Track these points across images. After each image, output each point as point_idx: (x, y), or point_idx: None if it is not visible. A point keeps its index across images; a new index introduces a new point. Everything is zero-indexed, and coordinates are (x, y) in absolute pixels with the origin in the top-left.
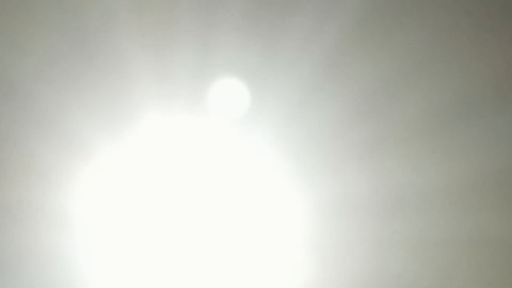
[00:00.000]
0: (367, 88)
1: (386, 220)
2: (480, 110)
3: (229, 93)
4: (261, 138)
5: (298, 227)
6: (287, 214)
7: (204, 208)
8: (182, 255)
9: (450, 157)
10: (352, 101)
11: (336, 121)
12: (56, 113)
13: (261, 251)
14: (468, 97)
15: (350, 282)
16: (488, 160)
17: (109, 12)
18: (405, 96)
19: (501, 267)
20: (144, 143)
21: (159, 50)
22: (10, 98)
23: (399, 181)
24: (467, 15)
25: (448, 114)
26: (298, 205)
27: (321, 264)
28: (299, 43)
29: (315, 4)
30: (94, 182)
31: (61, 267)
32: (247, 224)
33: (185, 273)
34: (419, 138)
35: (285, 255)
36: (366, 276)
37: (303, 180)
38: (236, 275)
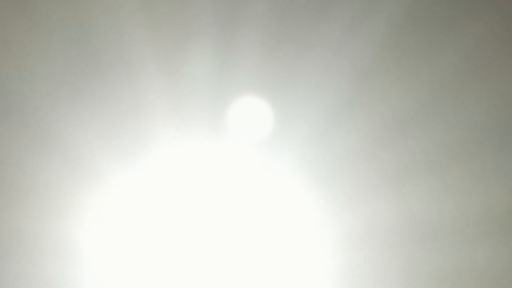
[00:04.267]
0: (397, 111)
1: (416, 250)
2: None
3: (250, 116)
4: (285, 163)
5: (323, 258)
6: (312, 244)
7: (225, 240)
8: (200, 283)
9: (485, 185)
10: (381, 125)
11: (364, 145)
12: (63, 136)
13: (285, 283)
14: (504, 124)
15: None
16: None
17: (122, 29)
18: (437, 121)
19: None
20: (158, 169)
21: (175, 69)
22: (14, 119)
23: (431, 209)
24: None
25: (484, 140)
26: (323, 234)
27: None
28: (325, 62)
29: (343, 22)
30: (103, 211)
31: None
32: (271, 255)
33: None
34: (452, 165)
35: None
36: None
37: (329, 208)
38: None
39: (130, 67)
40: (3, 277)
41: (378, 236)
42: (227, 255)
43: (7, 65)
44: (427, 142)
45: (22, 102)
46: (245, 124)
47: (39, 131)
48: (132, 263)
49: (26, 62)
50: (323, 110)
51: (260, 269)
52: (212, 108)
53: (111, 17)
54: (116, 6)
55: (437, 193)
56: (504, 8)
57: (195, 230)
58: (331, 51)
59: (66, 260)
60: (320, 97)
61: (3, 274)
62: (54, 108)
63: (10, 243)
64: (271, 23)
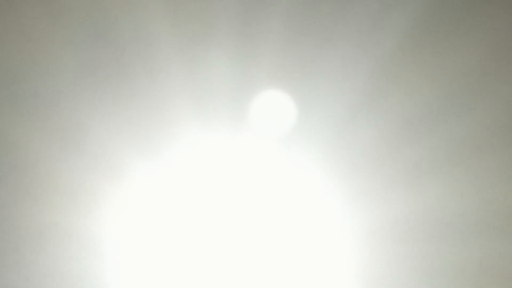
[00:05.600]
0: (420, 105)
1: (439, 245)
2: None
3: (273, 109)
4: (307, 158)
5: (346, 252)
6: (334, 238)
7: (248, 233)
8: (222, 279)
9: (507, 181)
10: (404, 119)
11: (387, 139)
12: (86, 131)
13: (307, 277)
14: None
15: None
16: None
17: (144, 24)
18: (459, 115)
19: None
20: (181, 163)
21: (197, 63)
22: (38, 114)
23: (453, 204)
24: None
25: (506, 136)
26: (346, 228)
27: None
28: (348, 56)
29: (365, 16)
30: (126, 205)
31: None
32: (293, 249)
33: None
34: (476, 160)
35: (332, 283)
36: None
37: (351, 202)
38: None
39: (153, 61)
40: (27, 270)
41: (401, 230)
42: (250, 249)
43: (31, 59)
44: (450, 136)
45: (45, 97)
46: (267, 118)
47: (62, 126)
48: (154, 257)
49: (50, 56)
50: (345, 103)
51: (283, 262)
52: (235, 102)
53: (135, 11)
54: (140, 0)
55: (459, 188)
56: None
57: (218, 224)
58: (354, 45)
59: (89, 253)
60: (343, 90)
61: (27, 267)
62: (77, 103)
63: (34, 237)
64: (293, 17)
